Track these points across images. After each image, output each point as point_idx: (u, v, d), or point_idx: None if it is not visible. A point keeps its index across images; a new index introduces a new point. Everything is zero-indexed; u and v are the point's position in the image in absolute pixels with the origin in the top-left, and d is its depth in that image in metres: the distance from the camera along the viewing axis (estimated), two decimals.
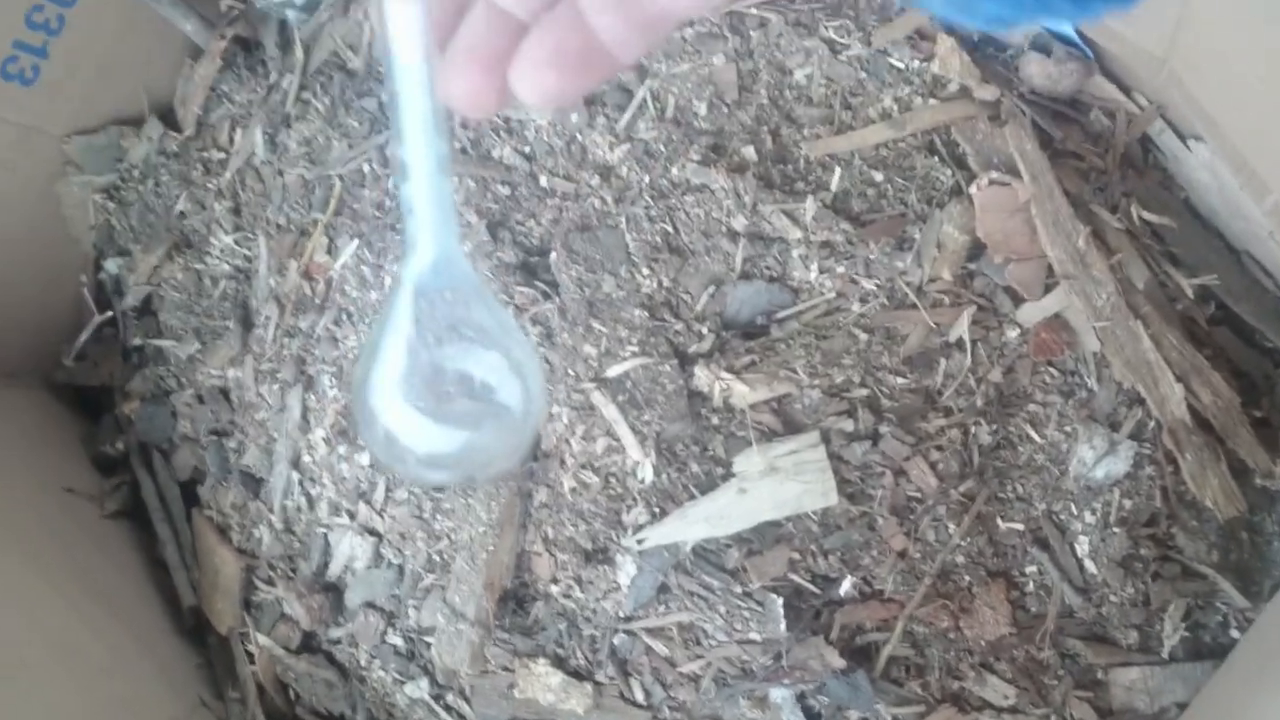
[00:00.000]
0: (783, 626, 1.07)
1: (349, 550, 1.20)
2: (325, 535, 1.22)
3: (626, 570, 1.09)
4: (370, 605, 1.14)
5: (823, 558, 1.10)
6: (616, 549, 1.10)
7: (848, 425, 1.10)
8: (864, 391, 1.12)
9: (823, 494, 1.08)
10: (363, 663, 1.14)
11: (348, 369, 1.22)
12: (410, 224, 0.44)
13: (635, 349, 1.12)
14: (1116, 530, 1.12)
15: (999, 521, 1.13)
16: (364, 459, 1.18)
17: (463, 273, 0.45)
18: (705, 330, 1.09)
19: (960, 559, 1.12)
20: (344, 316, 1.24)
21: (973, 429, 1.13)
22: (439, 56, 0.42)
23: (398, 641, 1.13)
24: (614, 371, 1.11)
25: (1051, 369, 1.15)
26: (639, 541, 1.09)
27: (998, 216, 1.13)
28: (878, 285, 1.10)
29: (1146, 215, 1.18)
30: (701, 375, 1.11)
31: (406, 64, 0.41)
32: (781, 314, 1.10)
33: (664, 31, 0.42)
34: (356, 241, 1.24)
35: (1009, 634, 1.11)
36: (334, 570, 1.20)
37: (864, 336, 1.13)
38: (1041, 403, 1.15)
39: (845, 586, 1.10)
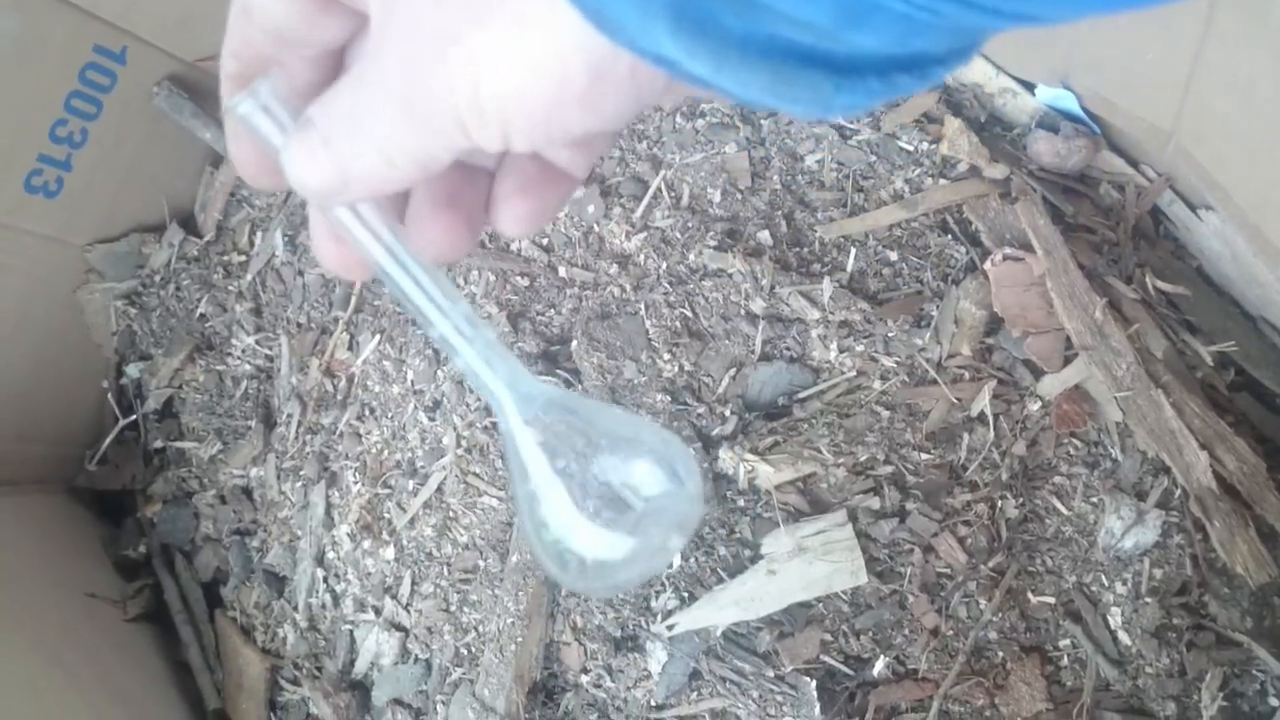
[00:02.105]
0: (817, 710, 1.06)
1: (375, 646, 1.20)
2: (351, 632, 1.22)
3: (657, 657, 1.08)
4: (398, 702, 1.14)
5: (854, 638, 1.10)
6: (646, 636, 1.10)
7: (874, 503, 1.10)
8: (889, 468, 1.12)
9: (852, 573, 1.08)
10: None
11: (371, 464, 1.22)
12: (479, 385, 0.45)
13: None
14: (1148, 600, 1.11)
15: (1030, 595, 1.12)
16: (389, 553, 1.18)
17: (550, 395, 0.45)
18: (728, 412, 1.11)
19: (993, 635, 1.11)
20: (366, 411, 1.25)
21: (999, 503, 1.13)
22: (401, 226, 0.45)
23: None
24: None
25: (1075, 440, 1.15)
26: (669, 627, 1.08)
27: (1013, 291, 1.15)
28: (897, 362, 1.12)
29: (1161, 285, 1.19)
30: (726, 457, 1.12)
31: (383, 261, 0.44)
32: (803, 394, 1.11)
33: (602, 147, 0.49)
34: (378, 337, 1.25)
35: (1045, 710, 1.09)
36: (360, 667, 1.20)
37: (886, 413, 1.13)
38: (1066, 474, 1.15)
39: (879, 667, 1.09)
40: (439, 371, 1.19)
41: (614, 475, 0.45)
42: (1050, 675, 1.11)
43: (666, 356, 1.12)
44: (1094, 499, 1.14)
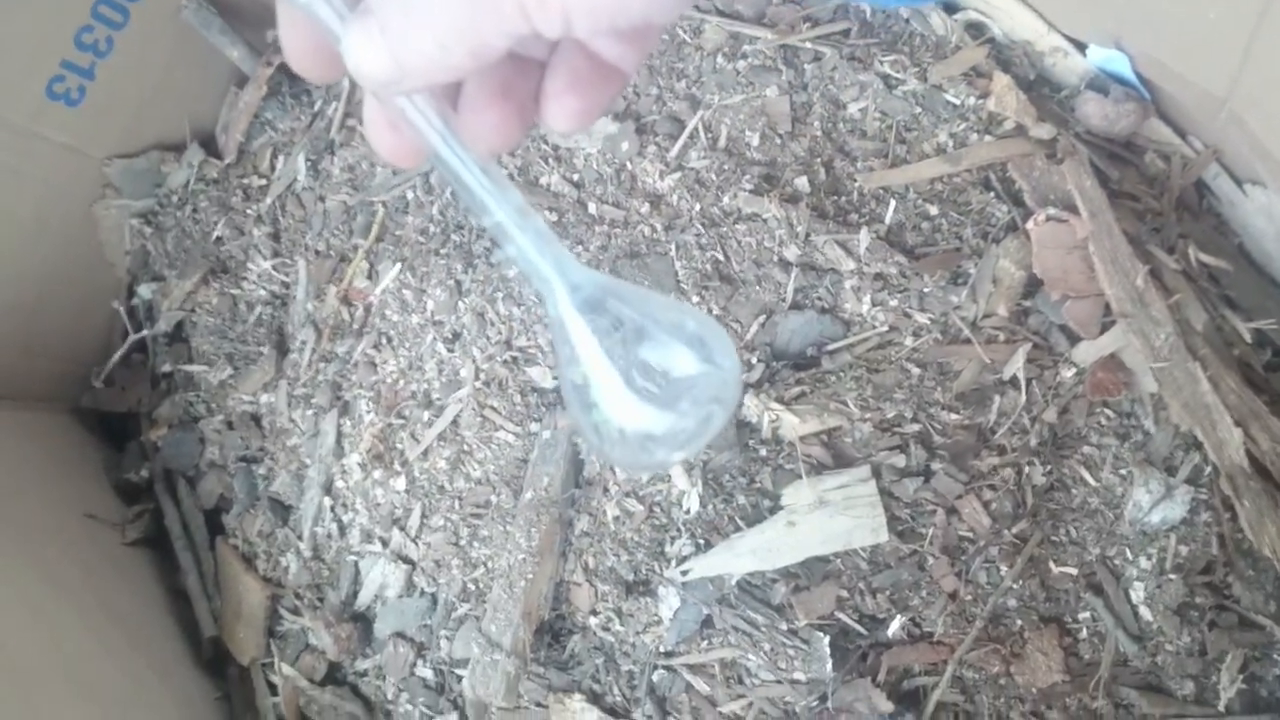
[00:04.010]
0: (829, 667, 1.03)
1: (380, 578, 1.17)
2: (356, 563, 1.18)
3: (669, 602, 1.06)
4: (400, 635, 1.12)
5: (871, 596, 1.07)
6: (659, 580, 1.07)
7: (899, 460, 1.07)
8: (916, 427, 1.09)
9: (873, 530, 1.05)
10: (390, 696, 1.12)
11: (385, 394, 1.20)
12: (531, 270, 0.47)
13: None
14: (1172, 577, 1.09)
15: (1052, 565, 1.10)
16: (399, 484, 1.16)
17: (597, 281, 0.48)
18: (755, 360, 1.08)
19: (1012, 602, 1.08)
20: (383, 341, 1.22)
21: (1026, 469, 1.10)
22: (455, 116, 0.46)
23: (427, 674, 1.11)
24: None
25: (1107, 410, 1.13)
26: (683, 573, 1.05)
27: (1055, 253, 1.12)
28: (931, 319, 1.09)
29: (1204, 257, 1.16)
30: (751, 405, 1.09)
31: (440, 148, 0.45)
32: (832, 346, 1.08)
33: (653, 40, 0.49)
34: (398, 266, 1.22)
35: (1062, 681, 1.06)
36: (363, 599, 1.16)
37: (916, 371, 1.10)
38: (1097, 444, 1.12)
39: (894, 627, 1.06)
40: (460, 303, 1.16)
41: (657, 356, 0.47)
42: (1068, 647, 1.08)
43: (695, 299, 1.09)
44: (1123, 471, 1.11)
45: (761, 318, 1.09)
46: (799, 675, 1.04)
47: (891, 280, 1.09)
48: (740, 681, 1.06)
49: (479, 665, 1.05)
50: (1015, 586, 1.08)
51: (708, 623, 1.05)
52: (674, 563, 1.04)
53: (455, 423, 1.12)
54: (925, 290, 1.09)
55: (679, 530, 1.05)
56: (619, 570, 1.05)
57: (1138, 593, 1.09)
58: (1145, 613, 1.09)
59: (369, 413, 1.18)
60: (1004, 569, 1.07)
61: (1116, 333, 1.11)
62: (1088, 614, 1.09)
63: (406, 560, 1.13)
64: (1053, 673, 1.06)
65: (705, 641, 1.05)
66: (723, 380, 0.49)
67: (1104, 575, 1.10)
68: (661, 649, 1.06)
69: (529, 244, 0.47)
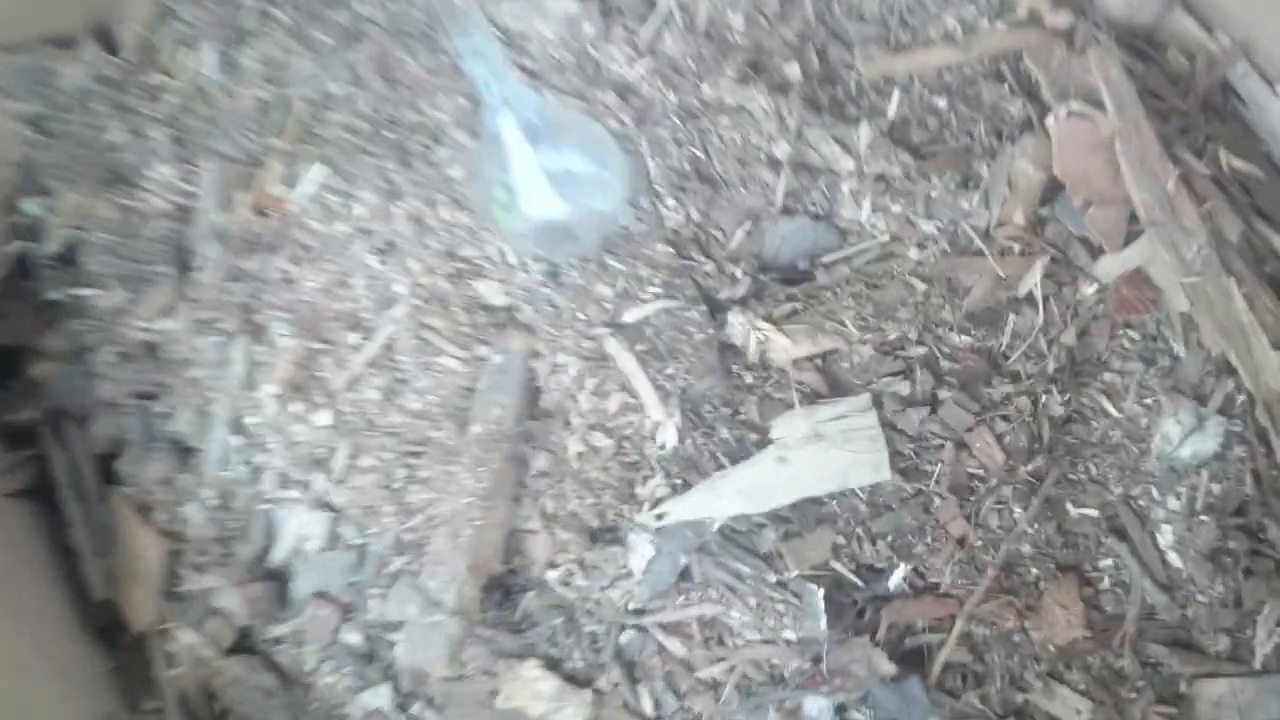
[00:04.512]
0: (823, 624, 0.92)
1: (298, 529, 1.01)
2: (269, 512, 1.03)
3: (640, 552, 0.93)
4: (322, 595, 0.99)
5: (870, 543, 0.96)
6: (629, 527, 0.94)
7: (903, 388, 0.97)
8: (921, 350, 0.98)
9: (874, 467, 0.94)
10: (310, 666, 0.99)
11: (305, 315, 1.04)
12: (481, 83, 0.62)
13: (657, 290, 0.96)
14: (1204, 518, 0.99)
15: (1070, 506, 1.00)
16: (322, 419, 1.01)
17: (530, 101, 0.61)
18: (740, 273, 0.98)
19: (1026, 549, 0.98)
20: (303, 255, 1.06)
21: (1043, 398, 0.99)
22: None
23: (354, 639, 0.99)
24: (632, 316, 0.96)
25: (1131, 332, 1.02)
26: (657, 518, 0.93)
27: (1077, 152, 1.00)
28: (939, 228, 1.00)
29: (1236, 162, 1.05)
30: (735, 324, 0.97)
31: None
32: (828, 257, 0.99)
33: None
34: (321, 168, 1.06)
35: (1082, 637, 0.97)
36: (279, 554, 1.02)
37: (922, 287, 0.99)
38: (1119, 370, 1.02)
39: (896, 578, 0.96)
40: (393, 208, 1.01)
41: (567, 162, 0.64)
42: (1089, 599, 0.99)
43: (671, 203, 0.98)
44: (1148, 400, 1.01)
45: (747, 224, 0.98)
46: (789, 634, 0.93)
47: (895, 183, 0.99)
48: (721, 642, 0.94)
49: (416, 628, 0.92)
50: (1030, 531, 0.98)
51: (685, 575, 0.93)
52: (646, 506, 0.93)
53: (388, 347, 0.99)
54: (932, 194, 0.99)
55: (652, 469, 0.94)
56: (582, 515, 0.94)
57: (1165, 537, 1.00)
58: (1174, 559, 1.00)
59: (285, 337, 1.04)
60: (1018, 511, 0.97)
61: (1143, 244, 1.00)
62: (1110, 561, 1.00)
63: (330, 508, 1.00)
64: (1072, 628, 0.97)
65: (682, 597, 0.94)
66: (618, 180, 0.67)
67: (1128, 517, 1.00)
68: (631, 606, 0.94)
69: (497, 59, 0.57)
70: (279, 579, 1.02)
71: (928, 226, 0.99)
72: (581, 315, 0.96)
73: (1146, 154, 1.00)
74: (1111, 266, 1.00)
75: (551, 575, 0.95)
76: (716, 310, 0.97)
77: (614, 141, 0.70)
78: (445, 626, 0.90)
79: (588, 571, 0.94)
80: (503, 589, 0.97)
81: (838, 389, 0.96)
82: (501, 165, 0.62)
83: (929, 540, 0.96)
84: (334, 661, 0.99)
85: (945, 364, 0.97)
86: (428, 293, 1.00)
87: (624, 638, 0.93)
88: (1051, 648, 0.97)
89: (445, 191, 1.00)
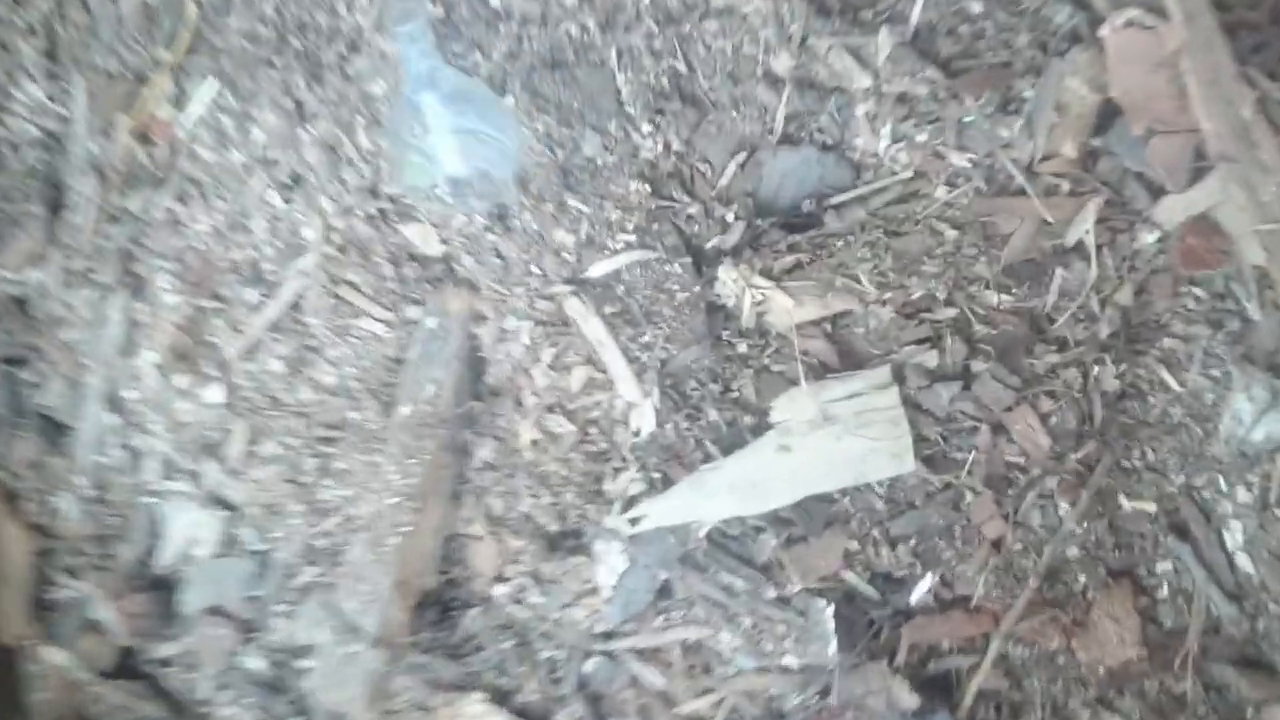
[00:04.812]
0: (832, 647, 0.81)
1: (187, 529, 0.92)
2: (153, 507, 0.93)
3: (609, 563, 0.82)
4: (217, 611, 0.91)
5: (889, 548, 0.85)
6: (596, 532, 0.83)
7: (929, 359, 0.85)
8: (951, 312, 0.86)
9: (895, 456, 0.82)
10: (204, 694, 0.91)
11: (195, 265, 0.93)
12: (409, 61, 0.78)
13: (630, 238, 0.83)
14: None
15: (1123, 500, 0.88)
16: (215, 394, 0.89)
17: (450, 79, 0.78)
18: (731, 216, 0.87)
19: (1074, 551, 0.87)
20: (193, 190, 0.93)
21: (1094, 369, 0.87)
22: None
23: (257, 665, 0.90)
24: (599, 270, 0.83)
25: (1195, 289, 0.90)
26: (631, 521, 0.81)
27: (1137, 70, 0.86)
28: (972, 162, 0.88)
29: None
30: (726, 280, 0.84)
31: None
32: (839, 198, 0.89)
33: None
34: (216, 84, 0.92)
35: (1137, 657, 0.87)
36: (165, 557, 0.93)
37: (952, 234, 0.88)
38: (1182, 335, 0.90)
39: (920, 590, 0.84)
40: (302, 132, 0.89)
41: (472, 127, 0.79)
42: (1144, 609, 0.88)
43: (647, 128, 0.86)
44: (1215, 371, 0.91)
45: (740, 156, 0.88)
46: (790, 660, 0.84)
47: (920, 105, 0.88)
48: (708, 670, 0.85)
49: (330, 658, 0.80)
50: (1078, 530, 0.86)
51: (664, 591, 0.83)
52: (617, 507, 0.83)
53: (295, 307, 0.89)
54: (966, 119, 0.88)
55: (624, 460, 0.85)
56: (537, 518, 0.84)
57: (1234, 535, 0.91)
58: (1243, 562, 0.91)
59: (171, 292, 0.92)
60: (1064, 506, 0.86)
61: (1212, 183, 0.88)
62: (1168, 565, 0.90)
63: (224, 504, 0.91)
64: (1126, 646, 0.87)
65: (661, 617, 0.84)
66: (506, 149, 0.80)
67: (1190, 512, 0.91)
68: (598, 628, 0.83)
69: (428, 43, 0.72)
70: (165, 588, 0.93)
71: (959, 160, 0.88)
72: (536, 269, 0.83)
73: (1219, 73, 0.86)
74: (1175, 209, 0.88)
75: (500, 590, 0.85)
76: (703, 263, 0.85)
77: (513, 118, 0.81)
78: (365, 659, 0.78)
79: (544, 586, 0.84)
80: (440, 605, 0.86)
81: (851, 360, 0.86)
82: (414, 132, 0.77)
83: (959, 544, 0.86)
84: (232, 690, 0.92)
85: (979, 329, 0.86)
86: (343, 238, 0.89)
87: (589, 666, 0.84)
88: (1101, 670, 0.87)
89: (366, 111, 0.88)
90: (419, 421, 0.83)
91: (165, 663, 0.95)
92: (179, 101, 0.97)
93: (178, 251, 0.94)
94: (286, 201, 0.90)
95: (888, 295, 0.86)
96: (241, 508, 0.93)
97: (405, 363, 0.87)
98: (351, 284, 0.88)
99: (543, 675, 0.83)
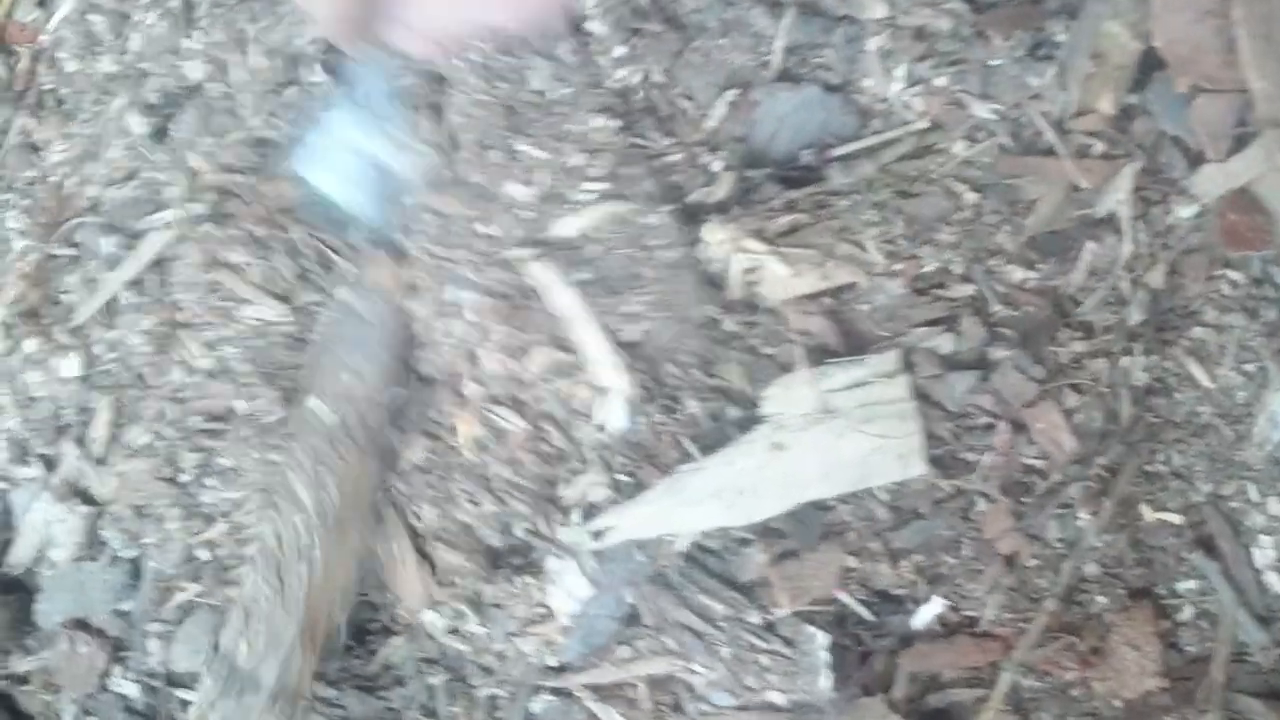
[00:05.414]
0: (823, 681, 0.72)
1: (43, 526, 0.81)
2: (4, 495, 0.85)
3: (565, 585, 0.70)
4: (81, 625, 0.80)
5: (889, 563, 0.75)
6: (548, 548, 0.72)
7: (943, 343, 0.77)
8: (968, 289, 0.78)
9: (901, 457, 0.73)
10: (67, 719, 0.82)
11: (48, 202, 0.84)
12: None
13: (599, 187, 0.71)
14: None
15: (1145, 510, 0.80)
16: (70, 365, 0.78)
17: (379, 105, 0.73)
18: (718, 164, 0.77)
19: (1092, 568, 0.79)
20: (53, 106, 0.83)
21: (1122, 360, 0.79)
22: None
23: (129, 690, 0.79)
24: (566, 228, 0.71)
25: (1230, 272, 0.82)
26: (595, 535, 0.71)
27: (1184, 17, 0.78)
28: (997, 114, 0.79)
29: None
30: (711, 242, 0.74)
31: None
32: (844, 148, 0.80)
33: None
34: None
35: (1158, 689, 0.78)
36: (19, 557, 0.83)
37: (972, 197, 0.79)
38: (1214, 324, 0.82)
39: (925, 614, 0.75)
40: (186, 42, 0.78)
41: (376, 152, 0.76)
42: (1165, 634, 0.80)
43: (620, 52, 0.76)
44: (1249, 366, 0.82)
45: (731, 94, 0.78)
46: (775, 696, 0.73)
47: (940, 42, 0.79)
48: (679, 709, 0.74)
49: (218, 705, 0.63)
50: (1099, 544, 0.78)
51: (631, 617, 0.73)
52: (576, 516, 0.72)
53: (159, 264, 0.77)
54: (992, 63, 0.79)
55: (583, 460, 0.73)
56: (478, 530, 0.72)
57: (1265, 552, 0.82)
58: (1274, 582, 0.82)
59: (21, 236, 0.81)
60: (1084, 517, 0.77)
61: (1256, 151, 0.79)
62: (1192, 584, 0.82)
63: (86, 498, 0.79)
64: (1145, 676, 0.78)
65: (625, 648, 0.73)
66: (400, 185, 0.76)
67: (1217, 525, 0.82)
68: (550, 660, 0.72)
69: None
70: (21, 592, 0.84)
71: (982, 110, 0.78)
72: (483, 229, 0.70)
73: (1273, 26, 0.78)
74: (1214, 181, 0.80)
75: (431, 618, 0.72)
76: (686, 216, 0.74)
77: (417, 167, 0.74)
78: (261, 713, 0.62)
79: (485, 613, 0.72)
80: (357, 631, 0.74)
81: (855, 342, 0.76)
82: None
83: (967, 558, 0.76)
84: (99, 717, 0.81)
85: (1000, 310, 0.77)
86: (229, 180, 0.79)
87: (538, 705, 0.72)
88: (1118, 703, 0.78)
89: (270, 15, 0.78)
90: (331, 417, 0.69)
91: (22, 679, 0.84)
92: (44, 2, 0.86)
93: (28, 184, 0.83)
94: (154, 140, 0.77)
95: (897, 267, 0.76)
96: (106, 505, 0.80)
97: (311, 344, 0.75)
98: (238, 240, 0.74)
99: (482, 715, 0.71)
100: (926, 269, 0.77)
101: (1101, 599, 0.79)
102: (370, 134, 0.76)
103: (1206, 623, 0.81)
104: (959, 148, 0.80)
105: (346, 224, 0.79)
